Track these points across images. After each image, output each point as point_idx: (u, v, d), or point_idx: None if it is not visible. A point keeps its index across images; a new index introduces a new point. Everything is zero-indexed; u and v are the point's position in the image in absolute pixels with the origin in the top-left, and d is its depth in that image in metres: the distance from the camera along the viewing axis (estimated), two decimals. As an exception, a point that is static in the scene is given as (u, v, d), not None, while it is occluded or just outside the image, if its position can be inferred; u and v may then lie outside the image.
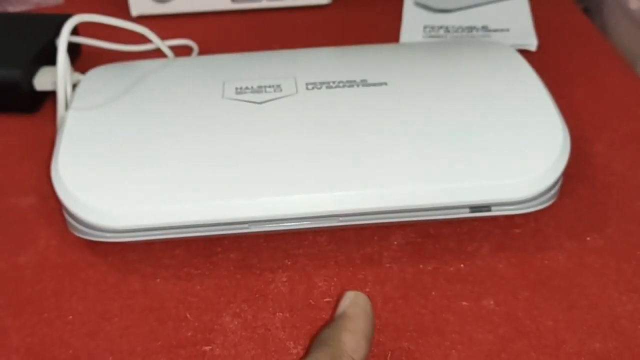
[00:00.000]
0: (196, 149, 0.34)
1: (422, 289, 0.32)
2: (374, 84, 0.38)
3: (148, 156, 0.34)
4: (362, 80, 0.38)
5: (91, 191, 0.33)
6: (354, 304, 0.29)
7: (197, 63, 0.42)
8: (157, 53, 0.46)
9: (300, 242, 0.34)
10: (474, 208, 0.34)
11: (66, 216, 0.34)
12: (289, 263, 0.33)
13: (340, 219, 0.33)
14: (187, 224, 0.32)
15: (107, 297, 0.32)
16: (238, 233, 0.33)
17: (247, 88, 0.38)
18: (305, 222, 0.33)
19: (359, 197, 0.33)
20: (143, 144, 0.35)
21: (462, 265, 0.33)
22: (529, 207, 0.34)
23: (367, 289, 0.32)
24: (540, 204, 0.34)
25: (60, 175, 0.33)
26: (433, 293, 0.32)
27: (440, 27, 0.51)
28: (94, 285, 0.33)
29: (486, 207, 0.34)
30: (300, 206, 0.33)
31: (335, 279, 0.32)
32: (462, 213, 0.34)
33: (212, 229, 0.33)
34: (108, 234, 0.33)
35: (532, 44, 0.48)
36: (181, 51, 0.50)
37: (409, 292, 0.32)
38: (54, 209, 0.37)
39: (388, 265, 0.33)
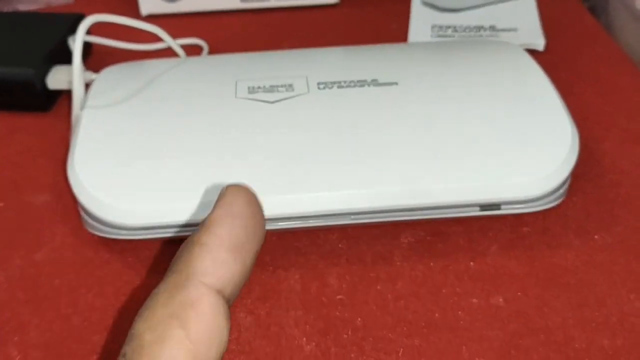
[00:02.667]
0: (210, 148, 0.35)
1: (432, 286, 0.32)
2: (385, 84, 0.39)
3: (163, 154, 0.34)
4: (373, 80, 0.39)
5: (107, 189, 0.33)
6: (221, 205, 0.21)
7: (210, 62, 0.43)
8: (168, 52, 0.47)
9: (312, 240, 0.35)
10: (484, 206, 0.34)
11: (82, 214, 0.34)
12: (302, 261, 0.34)
13: (352, 217, 0.34)
14: (196, 222, 0.33)
15: (123, 293, 0.33)
16: None
17: (259, 87, 0.39)
18: (317, 220, 0.34)
19: (371, 196, 0.33)
20: (158, 142, 0.35)
21: (472, 263, 0.33)
22: (538, 206, 0.34)
23: (379, 287, 0.32)
24: (550, 202, 0.34)
25: (76, 173, 0.34)
26: (443, 290, 0.32)
27: (449, 27, 0.51)
28: (110, 282, 0.33)
29: (496, 206, 0.34)
30: (312, 204, 0.33)
31: (347, 277, 0.33)
32: (472, 211, 0.34)
33: None
34: (124, 232, 0.33)
35: (539, 43, 0.49)
36: (191, 50, 0.50)
37: (420, 289, 0.32)
38: (68, 206, 0.37)
39: (399, 263, 0.34)
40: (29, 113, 0.45)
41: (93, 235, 0.35)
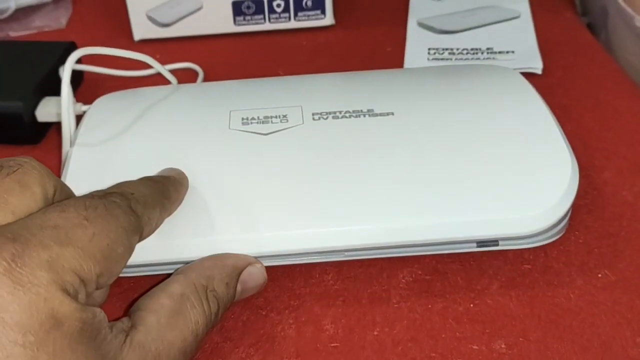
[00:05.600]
0: (201, 184, 0.34)
1: (431, 329, 0.31)
2: (381, 114, 0.38)
3: None
4: (369, 110, 0.38)
5: None
6: None
7: (203, 91, 0.42)
8: (161, 78, 0.46)
9: (306, 281, 0.34)
10: (481, 243, 0.33)
11: None
12: (296, 303, 0.33)
13: (346, 253, 0.33)
14: (190, 259, 0.32)
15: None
16: None
17: (253, 119, 0.38)
18: (310, 257, 0.33)
19: (365, 232, 0.32)
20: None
21: (471, 305, 0.32)
22: (537, 242, 0.34)
23: (376, 332, 0.31)
24: (549, 238, 0.34)
25: None
26: (443, 335, 0.31)
27: (445, 49, 0.50)
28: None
29: (494, 242, 0.33)
30: (305, 241, 0.32)
31: (343, 320, 0.32)
32: (469, 247, 0.33)
33: None
34: None
35: (537, 67, 0.48)
36: (186, 74, 0.49)
37: (419, 333, 0.31)
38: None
39: (396, 304, 0.33)
40: (18, 146, 0.44)
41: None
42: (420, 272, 0.34)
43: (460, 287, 0.33)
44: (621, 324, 0.31)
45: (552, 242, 0.34)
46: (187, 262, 0.32)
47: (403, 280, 0.34)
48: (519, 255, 0.35)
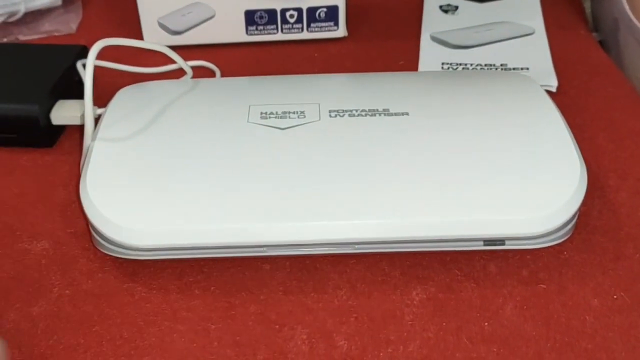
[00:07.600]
0: (220, 173, 0.35)
1: (445, 349, 0.31)
2: (396, 114, 0.39)
3: (172, 178, 0.35)
4: (384, 110, 0.39)
5: (117, 210, 0.33)
6: None
7: (224, 85, 0.43)
8: (175, 75, 0.46)
9: (319, 296, 0.34)
10: (488, 242, 0.34)
11: (93, 234, 0.35)
12: (309, 319, 0.33)
13: (357, 246, 0.34)
14: (205, 245, 0.33)
15: (121, 353, 0.31)
16: (255, 256, 0.34)
17: (271, 113, 0.39)
18: (321, 248, 0.34)
19: (375, 226, 0.33)
20: (168, 166, 0.35)
21: (486, 324, 0.32)
22: (542, 243, 0.34)
23: (390, 349, 0.31)
24: (554, 240, 0.34)
25: (88, 195, 0.34)
26: (457, 354, 0.31)
27: (459, 64, 0.50)
28: (109, 340, 0.32)
29: (500, 241, 0.34)
30: (317, 232, 0.33)
31: (356, 337, 0.32)
32: (476, 246, 0.34)
33: (230, 251, 0.34)
34: (133, 253, 0.34)
35: (552, 84, 0.47)
36: (202, 75, 0.49)
37: (432, 353, 0.31)
38: (67, 255, 0.36)
39: (410, 322, 0.32)
40: (30, 149, 0.43)
41: (91, 287, 0.34)
42: (434, 290, 0.34)
43: (474, 306, 0.33)
44: (637, 347, 0.31)
45: (558, 243, 0.34)
46: (203, 248, 0.33)
47: (417, 298, 0.33)
48: (535, 275, 0.34)
